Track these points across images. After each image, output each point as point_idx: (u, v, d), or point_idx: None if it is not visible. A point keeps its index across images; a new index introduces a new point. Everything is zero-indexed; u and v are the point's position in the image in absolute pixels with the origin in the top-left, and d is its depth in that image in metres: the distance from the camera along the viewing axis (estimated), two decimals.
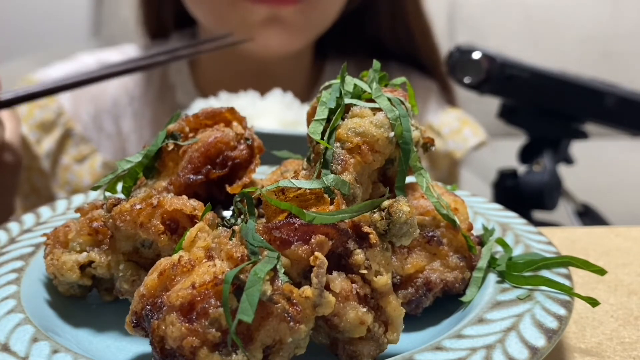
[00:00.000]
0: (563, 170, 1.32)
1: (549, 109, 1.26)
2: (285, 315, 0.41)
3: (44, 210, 0.70)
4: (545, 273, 0.53)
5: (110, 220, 0.52)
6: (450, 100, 1.50)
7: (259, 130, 0.87)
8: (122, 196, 0.59)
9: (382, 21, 1.42)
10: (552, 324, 0.46)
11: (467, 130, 1.42)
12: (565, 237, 0.80)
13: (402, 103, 0.54)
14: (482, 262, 0.56)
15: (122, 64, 0.90)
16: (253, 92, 1.15)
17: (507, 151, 1.66)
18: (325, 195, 0.47)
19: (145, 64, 0.92)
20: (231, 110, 0.61)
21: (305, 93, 1.42)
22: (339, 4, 1.29)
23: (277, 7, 1.20)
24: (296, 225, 0.44)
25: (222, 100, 1.12)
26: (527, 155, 1.32)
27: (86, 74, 0.88)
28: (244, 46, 1.24)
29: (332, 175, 0.48)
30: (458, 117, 1.45)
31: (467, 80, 1.19)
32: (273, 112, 1.06)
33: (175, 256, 0.46)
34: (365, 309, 0.44)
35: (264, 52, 1.26)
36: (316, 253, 0.43)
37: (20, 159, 0.93)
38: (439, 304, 0.55)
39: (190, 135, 0.60)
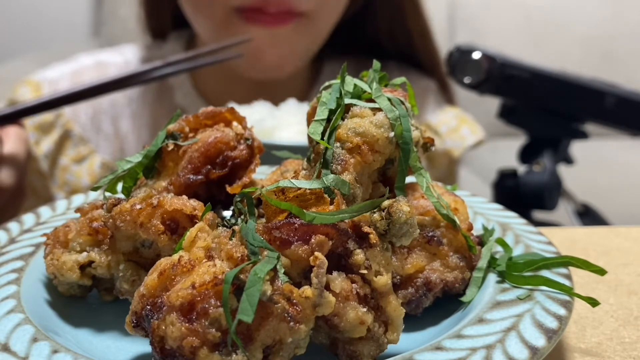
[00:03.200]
0: (563, 170, 1.32)
1: (549, 109, 1.26)
2: (285, 315, 0.41)
3: (44, 210, 0.70)
4: (545, 273, 0.53)
5: (110, 220, 0.52)
6: (448, 99, 1.50)
7: (285, 143, 0.86)
8: (122, 196, 0.59)
9: (381, 24, 1.42)
10: (552, 324, 0.46)
11: (465, 129, 1.42)
12: (565, 237, 0.80)
13: (402, 103, 0.54)
14: (482, 262, 0.56)
15: (120, 78, 0.90)
16: (265, 102, 1.15)
17: (507, 151, 1.66)
18: (325, 195, 0.47)
19: (143, 79, 0.92)
20: (231, 110, 0.62)
21: (303, 92, 1.42)
22: (335, 18, 1.29)
23: (273, 29, 1.20)
24: (296, 225, 0.44)
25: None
26: (527, 155, 1.32)
27: (85, 86, 0.88)
28: (243, 69, 1.24)
29: (332, 175, 0.48)
30: (456, 116, 1.45)
31: (467, 80, 1.19)
32: (294, 123, 1.05)
33: (175, 256, 0.46)
34: (365, 309, 0.44)
35: (261, 74, 1.26)
36: (316, 253, 0.43)
37: (21, 183, 0.91)
38: (439, 304, 0.55)
39: (190, 135, 0.60)
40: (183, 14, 1.31)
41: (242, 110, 1.07)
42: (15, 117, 0.88)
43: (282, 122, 1.05)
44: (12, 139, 0.88)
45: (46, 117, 1.28)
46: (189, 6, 1.26)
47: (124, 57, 1.42)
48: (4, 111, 0.87)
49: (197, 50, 1.05)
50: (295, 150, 0.75)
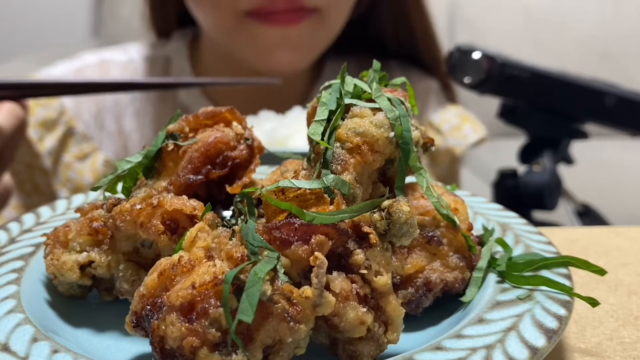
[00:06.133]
0: (563, 170, 1.32)
1: (549, 109, 1.26)
2: (285, 315, 0.41)
3: (44, 210, 0.70)
4: (545, 273, 0.53)
5: (110, 220, 0.52)
6: (451, 98, 1.50)
7: (299, 151, 0.86)
8: (122, 196, 0.59)
9: (385, 24, 1.42)
10: (552, 324, 0.46)
11: (467, 127, 1.42)
12: (565, 237, 0.80)
13: (402, 103, 0.54)
14: (482, 262, 0.56)
15: (131, 83, 0.91)
16: (270, 112, 1.14)
17: (507, 151, 1.66)
18: (325, 195, 0.47)
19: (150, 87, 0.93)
20: (231, 110, 0.62)
21: (305, 91, 1.42)
22: (345, 15, 1.29)
23: (286, 28, 1.19)
24: (296, 225, 0.44)
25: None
26: (527, 155, 1.32)
27: (95, 81, 0.89)
28: (253, 64, 1.25)
29: (332, 175, 0.48)
30: (458, 114, 1.45)
31: (467, 80, 1.19)
32: (305, 130, 1.05)
33: (175, 256, 0.46)
34: (365, 309, 0.44)
35: (272, 71, 1.26)
36: (316, 253, 0.43)
37: (4, 155, 0.91)
38: (439, 304, 0.55)
39: (190, 135, 0.60)
40: (188, 11, 1.31)
41: (251, 120, 1.07)
42: (17, 89, 0.88)
43: (293, 130, 1.04)
44: (2, 112, 0.88)
45: (49, 114, 1.29)
46: (198, 11, 1.26)
47: (128, 56, 1.43)
48: (5, 81, 0.87)
49: (215, 78, 1.06)
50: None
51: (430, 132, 1.42)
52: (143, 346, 0.52)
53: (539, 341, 0.44)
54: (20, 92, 0.89)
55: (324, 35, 1.28)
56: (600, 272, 0.54)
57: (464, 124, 1.43)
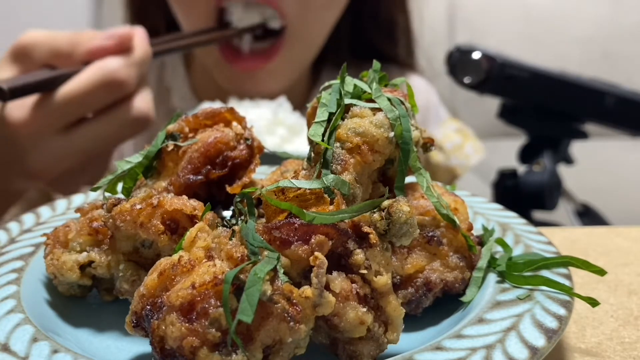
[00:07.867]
0: (563, 170, 1.32)
1: (549, 109, 1.26)
2: (285, 315, 0.41)
3: (44, 210, 0.70)
4: (545, 273, 0.53)
5: (110, 220, 0.52)
6: (411, 66, 1.49)
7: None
8: (122, 196, 0.59)
9: (366, 25, 1.42)
10: (552, 324, 0.46)
11: (469, 147, 1.43)
12: (565, 237, 0.80)
13: (402, 103, 0.54)
14: (482, 262, 0.56)
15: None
16: (266, 101, 1.14)
17: (507, 151, 1.66)
18: (325, 195, 0.47)
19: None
20: (231, 110, 0.62)
21: (303, 96, 1.41)
22: (321, 27, 1.26)
23: (257, 71, 1.21)
24: (296, 225, 0.44)
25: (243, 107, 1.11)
26: (527, 155, 1.32)
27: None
28: (237, 88, 1.26)
29: (332, 175, 0.48)
30: (458, 130, 1.45)
31: (467, 80, 1.19)
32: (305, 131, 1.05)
33: (175, 256, 0.46)
34: (365, 309, 0.44)
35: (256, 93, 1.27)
36: (316, 253, 0.43)
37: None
38: (439, 304, 0.55)
39: (190, 135, 0.60)
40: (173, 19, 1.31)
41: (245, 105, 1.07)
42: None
43: (298, 129, 1.04)
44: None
45: None
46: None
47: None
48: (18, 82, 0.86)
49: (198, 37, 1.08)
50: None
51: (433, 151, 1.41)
52: (143, 346, 0.52)
53: (539, 341, 0.44)
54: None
55: (303, 53, 1.27)
56: (600, 272, 0.54)
57: (465, 142, 1.43)
